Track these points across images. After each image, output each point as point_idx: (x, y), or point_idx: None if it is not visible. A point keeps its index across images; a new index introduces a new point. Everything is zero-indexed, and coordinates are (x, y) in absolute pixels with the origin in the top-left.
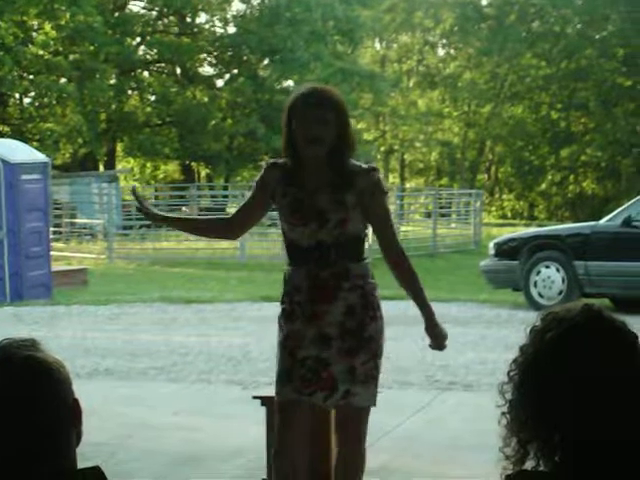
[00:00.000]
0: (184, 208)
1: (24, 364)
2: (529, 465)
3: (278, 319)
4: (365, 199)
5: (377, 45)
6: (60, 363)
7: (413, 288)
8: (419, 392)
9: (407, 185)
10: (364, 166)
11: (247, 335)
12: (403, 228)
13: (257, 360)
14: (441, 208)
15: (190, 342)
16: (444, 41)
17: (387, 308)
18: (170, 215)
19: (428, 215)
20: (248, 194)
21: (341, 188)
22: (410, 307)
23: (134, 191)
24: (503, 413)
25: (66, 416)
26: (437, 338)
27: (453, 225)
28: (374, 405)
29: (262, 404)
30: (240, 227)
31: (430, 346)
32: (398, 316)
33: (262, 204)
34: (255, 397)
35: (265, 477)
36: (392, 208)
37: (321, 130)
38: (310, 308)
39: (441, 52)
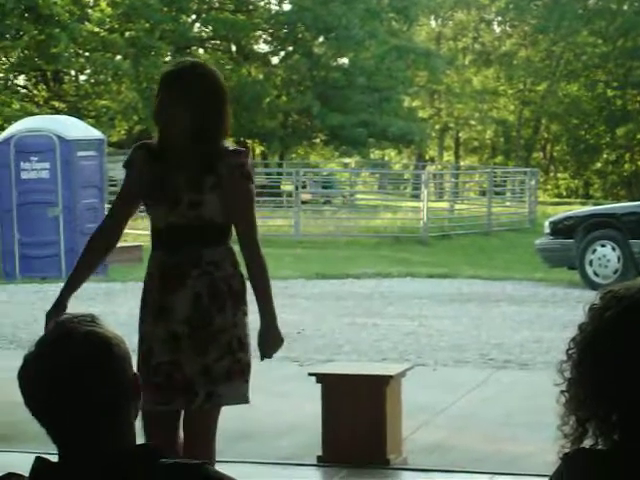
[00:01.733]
0: None
1: (85, 339)
2: (587, 444)
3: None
4: (225, 182)
5: (432, 22)
6: (120, 338)
7: (257, 289)
8: (474, 370)
9: (462, 163)
10: (231, 148)
11: (302, 312)
12: (457, 206)
13: (312, 337)
14: (496, 186)
15: None
16: (499, 18)
17: (442, 286)
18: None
19: (483, 193)
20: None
21: (201, 168)
22: (464, 285)
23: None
24: (562, 391)
25: (127, 391)
26: (268, 344)
27: (508, 203)
28: (247, 402)
29: (317, 381)
30: None
31: (259, 348)
32: (452, 294)
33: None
34: (311, 374)
35: (320, 454)
36: (447, 186)
37: (163, 113)
38: (159, 299)
39: (497, 29)
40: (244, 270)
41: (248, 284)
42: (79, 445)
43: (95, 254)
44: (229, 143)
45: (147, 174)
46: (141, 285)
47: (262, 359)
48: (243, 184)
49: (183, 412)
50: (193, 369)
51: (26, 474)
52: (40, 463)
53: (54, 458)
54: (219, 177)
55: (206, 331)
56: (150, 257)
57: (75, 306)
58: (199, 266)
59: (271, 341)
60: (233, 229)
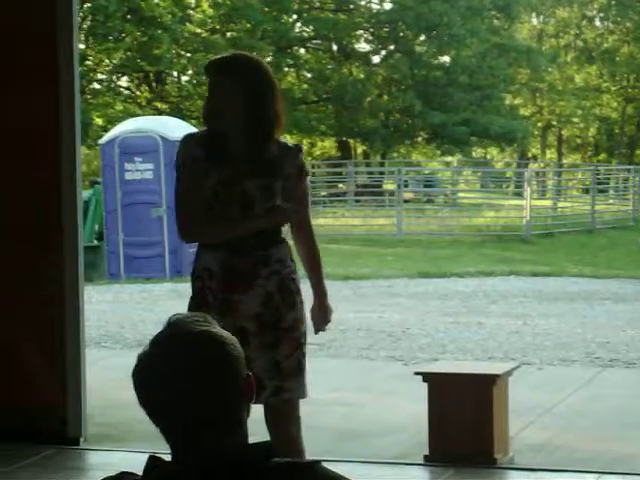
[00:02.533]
0: (341, 185)
1: (200, 338)
2: None
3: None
4: (290, 182)
5: (534, 20)
6: (233, 339)
7: (313, 270)
8: (580, 369)
9: (565, 161)
10: (289, 144)
11: (406, 311)
12: (560, 204)
13: (417, 336)
14: (599, 184)
15: (349, 318)
16: (602, 15)
17: (546, 285)
18: None
19: (586, 191)
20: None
21: (270, 172)
22: (568, 283)
23: None
24: None
25: (240, 390)
26: (320, 319)
27: (611, 201)
28: (305, 397)
29: (424, 380)
30: None
31: (313, 322)
32: (557, 292)
33: None
34: (417, 373)
35: (427, 453)
36: (550, 184)
37: (219, 102)
38: (222, 298)
39: (599, 26)
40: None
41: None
42: (193, 444)
43: None
44: (282, 137)
45: (213, 175)
46: None
47: (316, 333)
48: (303, 181)
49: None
50: (261, 364)
51: (138, 473)
52: (153, 462)
53: (166, 457)
54: (286, 179)
55: (277, 328)
56: (208, 256)
57: (179, 305)
58: (268, 265)
59: (325, 316)
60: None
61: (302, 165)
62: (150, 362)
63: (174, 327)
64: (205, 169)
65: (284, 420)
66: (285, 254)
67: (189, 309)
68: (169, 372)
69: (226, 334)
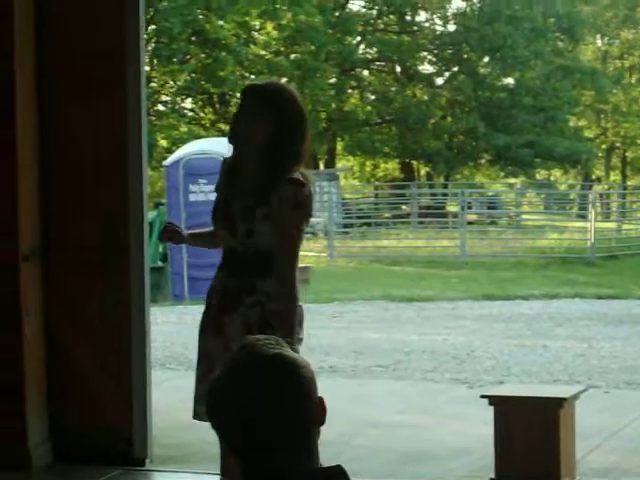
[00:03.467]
0: (404, 207)
1: (274, 361)
2: None
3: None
4: (276, 212)
5: (598, 41)
6: (306, 361)
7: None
8: None
9: (629, 183)
10: (290, 176)
11: (470, 333)
12: (625, 227)
13: (482, 359)
14: None
15: (413, 340)
16: None
17: (611, 307)
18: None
19: None
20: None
21: (257, 197)
22: (634, 306)
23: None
24: None
25: (313, 413)
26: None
27: None
28: None
29: (490, 403)
30: None
31: None
32: (622, 315)
33: None
34: (483, 396)
35: (493, 476)
36: (614, 206)
37: (242, 124)
38: (216, 317)
39: None
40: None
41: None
42: (264, 467)
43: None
44: (299, 170)
45: (223, 194)
46: (309, 307)
47: None
48: (291, 213)
49: None
50: None
51: None
52: None
53: None
54: (269, 207)
55: None
56: (216, 274)
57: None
58: (253, 294)
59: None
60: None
61: (290, 196)
62: (225, 386)
63: (248, 350)
64: (219, 187)
65: None
66: (275, 288)
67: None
68: (245, 395)
69: (299, 357)
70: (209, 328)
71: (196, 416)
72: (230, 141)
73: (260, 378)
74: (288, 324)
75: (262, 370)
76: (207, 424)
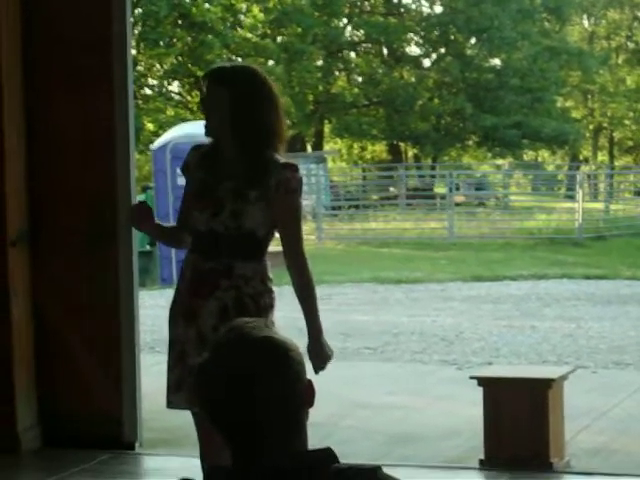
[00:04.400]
0: (392, 188)
1: (265, 343)
2: None
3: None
4: (273, 196)
5: (585, 22)
6: (295, 344)
7: (303, 302)
8: (635, 372)
9: (616, 163)
10: (282, 161)
11: (459, 315)
12: (613, 207)
13: (470, 340)
14: None
15: (402, 322)
16: None
17: (600, 288)
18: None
19: (638, 193)
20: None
21: (248, 179)
22: (622, 286)
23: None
24: None
25: (302, 396)
26: (318, 358)
27: None
28: None
29: (479, 384)
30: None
31: (311, 363)
32: (610, 295)
33: None
34: (472, 377)
35: (482, 457)
36: (602, 186)
37: (209, 111)
38: (188, 302)
39: None
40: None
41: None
42: (253, 449)
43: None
44: (281, 154)
45: (198, 179)
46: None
47: (316, 373)
48: (288, 198)
49: None
50: None
51: (197, 478)
52: (213, 468)
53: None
54: (265, 190)
55: None
56: (185, 257)
57: None
58: (230, 278)
59: (320, 356)
60: (270, 244)
61: (285, 180)
62: (213, 366)
63: (236, 331)
64: (195, 173)
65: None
66: (253, 272)
67: (170, 313)
68: (233, 376)
69: (288, 339)
70: (179, 314)
71: (170, 404)
72: (206, 132)
73: (251, 360)
74: (313, 310)
75: (253, 352)
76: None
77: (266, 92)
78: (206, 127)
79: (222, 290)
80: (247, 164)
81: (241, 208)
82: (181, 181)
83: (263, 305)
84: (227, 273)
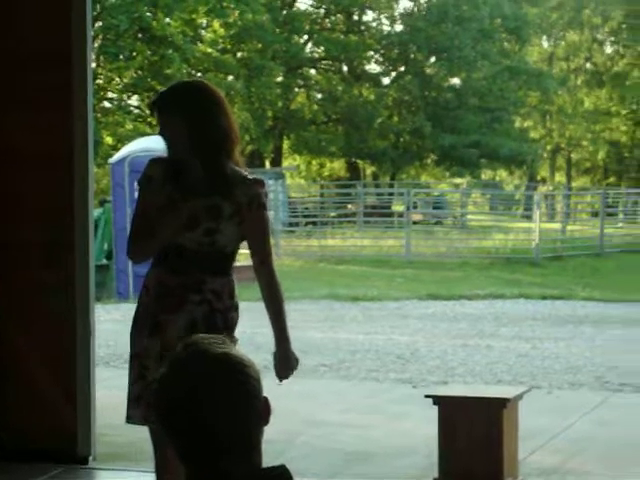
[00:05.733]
0: (349, 206)
1: (222, 360)
2: None
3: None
4: (245, 212)
5: (545, 43)
6: (252, 361)
7: (271, 310)
8: (589, 393)
9: (574, 184)
10: (249, 176)
11: (415, 333)
12: (570, 227)
13: (426, 358)
14: (608, 207)
15: (358, 340)
16: (612, 38)
17: (556, 308)
18: None
19: (595, 214)
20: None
21: (220, 195)
22: (578, 307)
23: None
24: None
25: (260, 413)
26: (283, 367)
27: (620, 224)
28: None
29: (434, 403)
30: None
31: (276, 371)
32: (566, 316)
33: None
34: (427, 396)
35: (437, 476)
36: (559, 207)
37: (165, 132)
38: (153, 316)
39: (609, 50)
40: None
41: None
42: (209, 467)
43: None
44: (243, 167)
45: (166, 193)
46: (256, 305)
47: (280, 381)
48: (259, 213)
49: None
50: None
51: None
52: None
53: None
54: (237, 206)
55: None
56: (149, 271)
57: None
58: (200, 293)
59: (287, 364)
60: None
61: (256, 196)
62: (170, 383)
63: (193, 347)
64: (161, 187)
65: None
66: (223, 287)
67: (133, 328)
68: (189, 395)
69: (244, 356)
70: (143, 327)
71: (129, 419)
72: (169, 153)
73: (208, 378)
74: (282, 320)
75: (210, 370)
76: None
77: (213, 98)
78: (169, 149)
79: (192, 304)
80: (217, 180)
81: (216, 225)
82: None
83: (230, 321)
84: (197, 288)
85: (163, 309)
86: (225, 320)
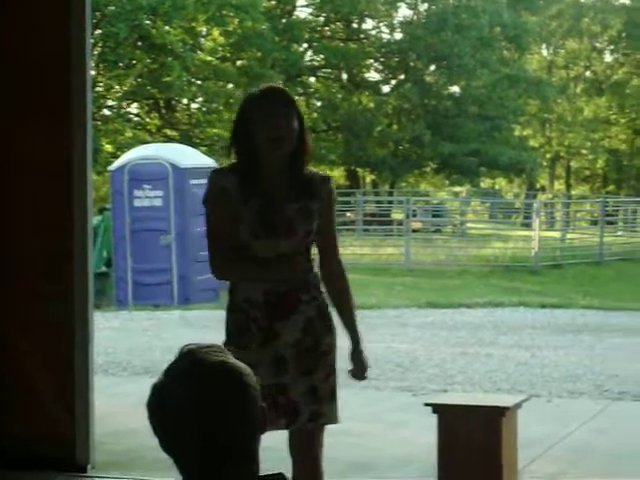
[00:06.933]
0: (349, 214)
1: (219, 369)
2: None
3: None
4: (324, 208)
5: (544, 51)
6: (249, 370)
7: (346, 307)
8: (589, 401)
9: (573, 192)
10: (320, 173)
11: (414, 341)
12: (569, 236)
13: (425, 366)
14: (608, 216)
15: None
16: (612, 47)
17: (555, 316)
18: None
19: (594, 223)
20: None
21: (307, 196)
22: (577, 315)
23: None
24: None
25: (258, 422)
26: (358, 366)
27: (620, 233)
28: (338, 422)
29: (434, 411)
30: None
31: (350, 372)
32: (566, 324)
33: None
34: (427, 404)
35: None
36: (558, 215)
37: (286, 129)
38: (267, 326)
39: (609, 58)
40: None
41: None
42: (208, 474)
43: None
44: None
45: (249, 205)
46: None
47: (358, 380)
48: (333, 209)
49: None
50: (299, 390)
51: None
52: None
53: None
54: (320, 204)
55: (315, 353)
56: (246, 286)
57: (189, 333)
58: (308, 291)
59: (362, 365)
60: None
61: (332, 192)
62: (168, 392)
63: (190, 357)
64: (241, 198)
65: (314, 444)
66: (319, 281)
67: (228, 343)
68: (187, 404)
69: (242, 365)
70: (254, 342)
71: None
72: (272, 144)
73: (207, 385)
74: (355, 315)
75: (210, 379)
76: (149, 431)
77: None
78: (281, 141)
79: (304, 303)
80: (301, 181)
81: (311, 227)
82: (138, 202)
83: (330, 310)
84: (305, 287)
85: (276, 317)
86: (328, 308)
